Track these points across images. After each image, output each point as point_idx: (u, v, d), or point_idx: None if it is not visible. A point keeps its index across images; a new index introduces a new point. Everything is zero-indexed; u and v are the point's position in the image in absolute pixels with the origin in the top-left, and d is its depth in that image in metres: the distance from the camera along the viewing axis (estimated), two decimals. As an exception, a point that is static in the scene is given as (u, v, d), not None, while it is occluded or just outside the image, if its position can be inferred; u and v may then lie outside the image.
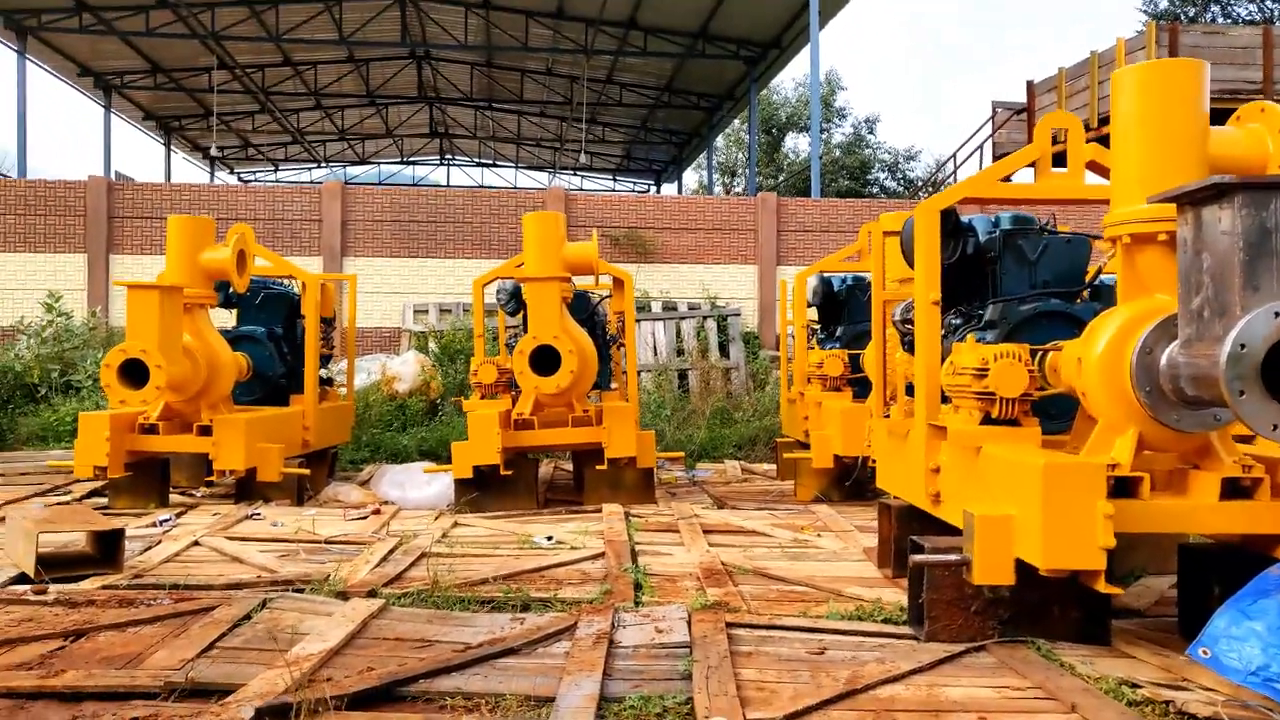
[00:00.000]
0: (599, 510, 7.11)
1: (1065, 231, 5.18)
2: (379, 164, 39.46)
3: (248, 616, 4.17)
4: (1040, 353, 4.42)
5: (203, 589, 4.73)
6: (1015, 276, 5.10)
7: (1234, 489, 3.70)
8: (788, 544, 6.02)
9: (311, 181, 34.07)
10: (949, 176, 22.08)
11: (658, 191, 38.03)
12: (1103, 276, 5.35)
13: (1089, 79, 15.02)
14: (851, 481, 7.57)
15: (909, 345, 5.87)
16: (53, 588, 4.65)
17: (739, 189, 38.08)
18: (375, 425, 10.90)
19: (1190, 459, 3.85)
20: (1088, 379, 3.87)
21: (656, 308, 13.96)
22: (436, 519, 6.93)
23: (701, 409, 11.40)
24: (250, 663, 3.58)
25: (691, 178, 40.10)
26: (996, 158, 16.57)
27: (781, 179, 37.27)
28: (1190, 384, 3.41)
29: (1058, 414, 4.76)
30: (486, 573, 5.04)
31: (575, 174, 39.35)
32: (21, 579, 4.87)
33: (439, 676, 3.44)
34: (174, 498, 7.80)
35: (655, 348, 13.34)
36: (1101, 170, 4.78)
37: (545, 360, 6.99)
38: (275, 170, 39.12)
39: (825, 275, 9.08)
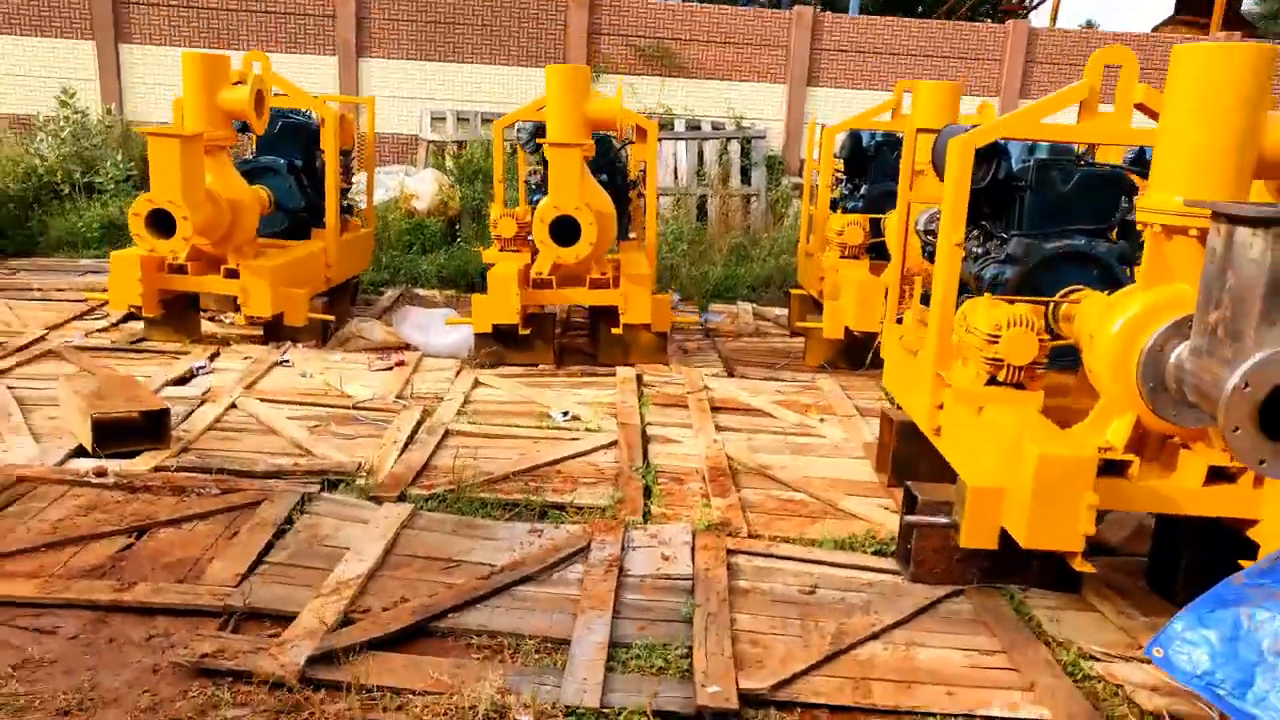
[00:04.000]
0: (613, 373, 7.39)
1: (1102, 164, 5.05)
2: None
3: (289, 520, 4.56)
4: (1056, 302, 4.50)
5: (245, 475, 5.10)
6: (1044, 207, 5.02)
7: (1218, 474, 3.91)
8: (790, 429, 6.36)
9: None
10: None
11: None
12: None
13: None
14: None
15: (930, 255, 5.88)
16: (110, 468, 5.02)
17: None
18: (395, 246, 11.01)
19: (1185, 438, 4.02)
20: (1097, 358, 3.97)
21: (680, 125, 13.56)
22: (458, 375, 7.23)
23: (719, 245, 11.41)
24: (297, 584, 3.98)
25: None
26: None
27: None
28: (1192, 392, 3.52)
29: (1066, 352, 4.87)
30: (507, 467, 5.40)
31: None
32: (80, 451, 5.27)
33: (465, 610, 3.84)
34: (206, 325, 8.11)
35: (676, 170, 13.11)
36: (1151, 114, 4.62)
37: (565, 230, 7.00)
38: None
39: (855, 131, 8.82)
